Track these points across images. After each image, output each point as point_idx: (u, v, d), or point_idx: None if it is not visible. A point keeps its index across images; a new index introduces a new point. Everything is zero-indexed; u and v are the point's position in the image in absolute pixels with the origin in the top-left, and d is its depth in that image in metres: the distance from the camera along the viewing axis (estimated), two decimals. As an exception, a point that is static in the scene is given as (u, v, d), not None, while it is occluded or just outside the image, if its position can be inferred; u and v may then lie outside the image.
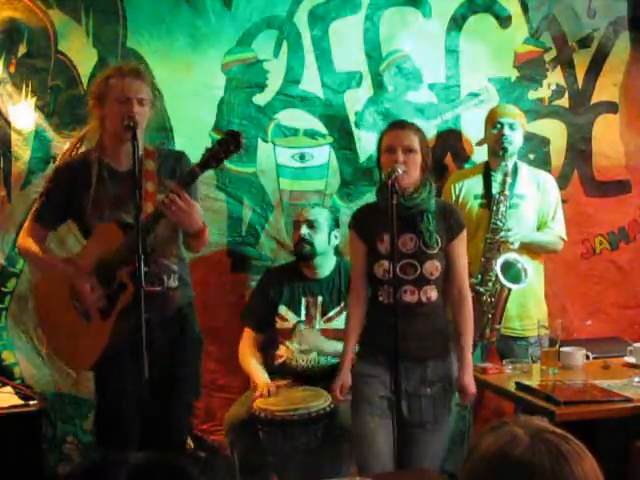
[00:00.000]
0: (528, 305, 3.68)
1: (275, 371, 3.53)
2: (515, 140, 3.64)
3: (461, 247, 2.96)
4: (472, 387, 2.92)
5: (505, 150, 3.60)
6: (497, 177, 3.63)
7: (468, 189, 3.70)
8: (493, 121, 3.67)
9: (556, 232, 3.74)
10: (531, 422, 1.26)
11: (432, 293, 2.89)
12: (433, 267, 2.88)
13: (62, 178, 2.98)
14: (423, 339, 2.86)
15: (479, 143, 3.85)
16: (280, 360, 3.54)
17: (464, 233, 2.97)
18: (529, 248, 3.66)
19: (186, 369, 2.99)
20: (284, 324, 3.56)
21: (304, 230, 3.53)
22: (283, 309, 3.56)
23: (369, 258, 2.93)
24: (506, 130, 3.61)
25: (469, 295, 2.98)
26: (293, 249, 3.65)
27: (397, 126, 2.98)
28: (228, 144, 2.72)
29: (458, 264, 2.94)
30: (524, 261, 3.49)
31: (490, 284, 3.50)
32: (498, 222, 3.52)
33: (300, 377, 3.47)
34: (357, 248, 2.98)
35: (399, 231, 2.80)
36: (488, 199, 3.64)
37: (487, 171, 3.71)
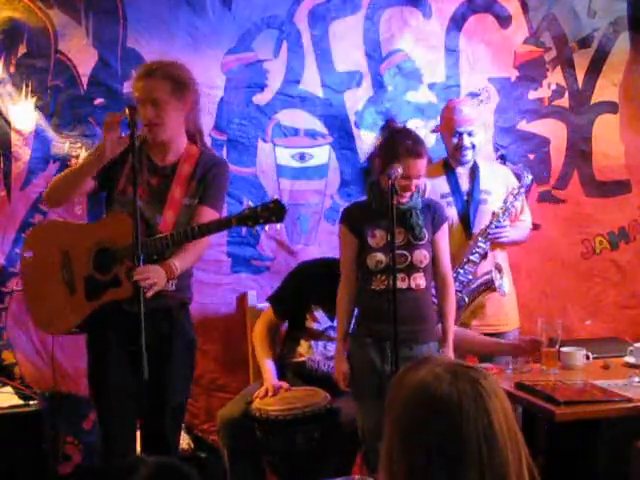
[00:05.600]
0: (502, 300, 3.65)
1: (291, 369, 3.49)
2: (476, 143, 3.60)
3: (444, 238, 3.16)
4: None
5: (465, 157, 3.59)
6: (463, 174, 3.62)
7: (433, 188, 3.61)
8: (451, 129, 3.60)
9: (527, 225, 3.74)
10: (445, 360, 1.40)
11: (420, 280, 3.07)
12: (422, 255, 3.07)
13: None
14: (411, 323, 3.00)
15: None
16: (300, 359, 3.50)
17: (446, 225, 3.18)
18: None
19: (172, 369, 2.96)
20: (313, 325, 3.51)
21: None
22: (318, 310, 3.51)
23: (360, 250, 3.10)
24: (465, 140, 3.56)
25: (452, 282, 3.21)
26: None
27: (415, 155, 3.00)
28: (271, 213, 2.74)
29: (442, 253, 3.14)
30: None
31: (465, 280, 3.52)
32: (501, 221, 3.53)
33: (317, 382, 3.42)
34: (349, 241, 3.14)
35: (391, 226, 2.97)
36: (455, 197, 3.61)
37: (448, 167, 3.66)
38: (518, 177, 3.68)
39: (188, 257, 2.91)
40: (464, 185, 3.62)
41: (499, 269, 3.49)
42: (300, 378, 3.46)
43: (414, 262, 3.05)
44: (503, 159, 3.72)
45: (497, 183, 3.66)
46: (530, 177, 3.72)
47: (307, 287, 3.54)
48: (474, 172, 3.63)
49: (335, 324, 3.36)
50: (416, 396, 1.31)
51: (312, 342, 3.51)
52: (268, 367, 3.45)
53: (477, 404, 1.28)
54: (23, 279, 3.17)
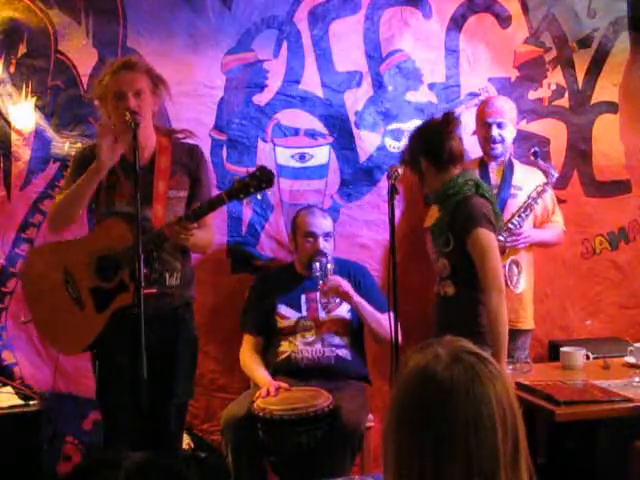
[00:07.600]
0: (521, 297, 3.66)
1: (279, 368, 3.51)
2: (505, 137, 3.64)
3: (476, 247, 2.92)
4: None
5: (495, 150, 3.62)
6: (496, 169, 3.66)
7: None
8: (482, 120, 3.67)
9: (559, 226, 3.77)
10: (453, 342, 1.35)
11: (448, 288, 3.04)
12: (442, 265, 3.04)
13: (79, 164, 2.98)
14: (440, 329, 2.97)
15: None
16: (284, 356, 3.52)
17: (478, 231, 2.92)
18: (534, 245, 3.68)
19: (178, 369, 2.97)
20: (285, 322, 3.55)
21: (322, 243, 3.53)
22: (283, 308, 3.57)
23: None
24: (493, 131, 3.61)
25: (492, 295, 2.91)
26: (305, 259, 3.55)
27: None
28: (260, 179, 2.73)
29: (477, 262, 2.93)
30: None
31: None
32: (516, 223, 3.53)
33: (304, 372, 3.46)
34: None
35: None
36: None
37: (482, 164, 3.71)
38: (546, 174, 3.69)
39: (202, 234, 2.93)
40: (495, 180, 3.65)
41: (517, 264, 3.50)
42: (290, 374, 3.47)
43: (439, 270, 3.06)
44: (536, 156, 3.72)
45: (530, 181, 3.68)
46: (556, 174, 3.73)
47: (267, 287, 3.62)
48: (507, 170, 3.66)
49: (305, 313, 3.54)
50: (413, 375, 1.31)
51: (290, 337, 3.54)
52: (262, 374, 3.46)
53: (468, 390, 1.26)
54: (31, 310, 3.16)
